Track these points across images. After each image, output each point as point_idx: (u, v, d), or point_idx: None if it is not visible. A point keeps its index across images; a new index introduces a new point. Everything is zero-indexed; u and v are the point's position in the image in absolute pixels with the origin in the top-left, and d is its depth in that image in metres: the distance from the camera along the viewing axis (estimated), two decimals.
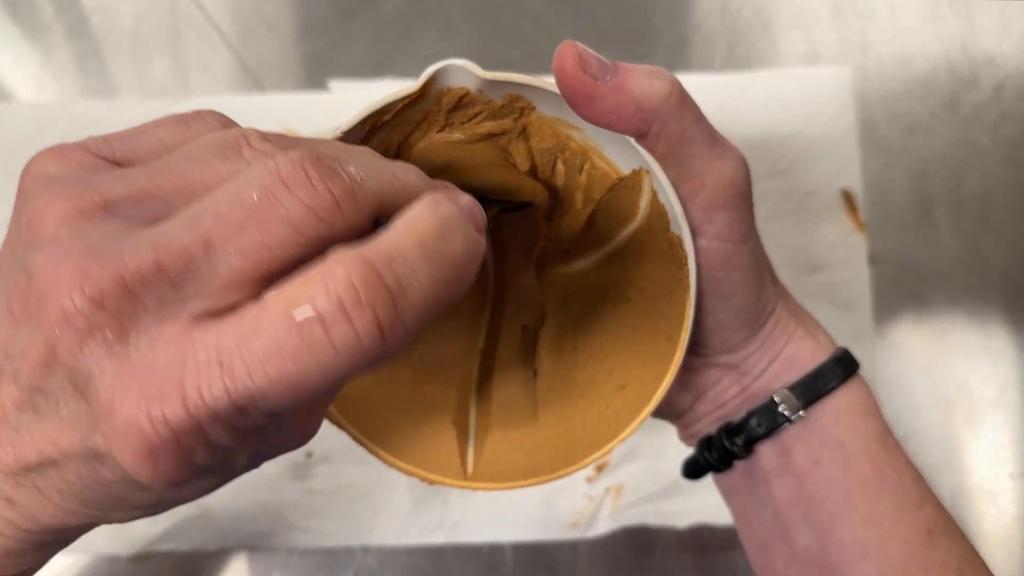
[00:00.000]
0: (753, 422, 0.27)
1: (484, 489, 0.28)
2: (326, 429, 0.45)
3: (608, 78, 0.23)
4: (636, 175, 0.26)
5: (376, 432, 0.28)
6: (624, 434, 0.27)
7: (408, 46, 0.50)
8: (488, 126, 0.28)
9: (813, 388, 0.27)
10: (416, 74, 0.52)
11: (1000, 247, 0.49)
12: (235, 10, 0.50)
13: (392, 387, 0.30)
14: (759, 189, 0.47)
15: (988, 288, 0.49)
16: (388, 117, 0.26)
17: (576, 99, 0.24)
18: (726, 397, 0.29)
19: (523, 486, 0.28)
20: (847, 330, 0.47)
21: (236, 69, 0.50)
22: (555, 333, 0.31)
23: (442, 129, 0.28)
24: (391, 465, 0.28)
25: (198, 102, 0.48)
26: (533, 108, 0.27)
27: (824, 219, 0.47)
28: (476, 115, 0.27)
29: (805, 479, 0.27)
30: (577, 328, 0.31)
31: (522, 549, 0.46)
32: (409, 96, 0.25)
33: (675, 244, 0.26)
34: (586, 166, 0.28)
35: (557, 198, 0.29)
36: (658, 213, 0.26)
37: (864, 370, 0.46)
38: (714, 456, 0.28)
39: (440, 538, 0.45)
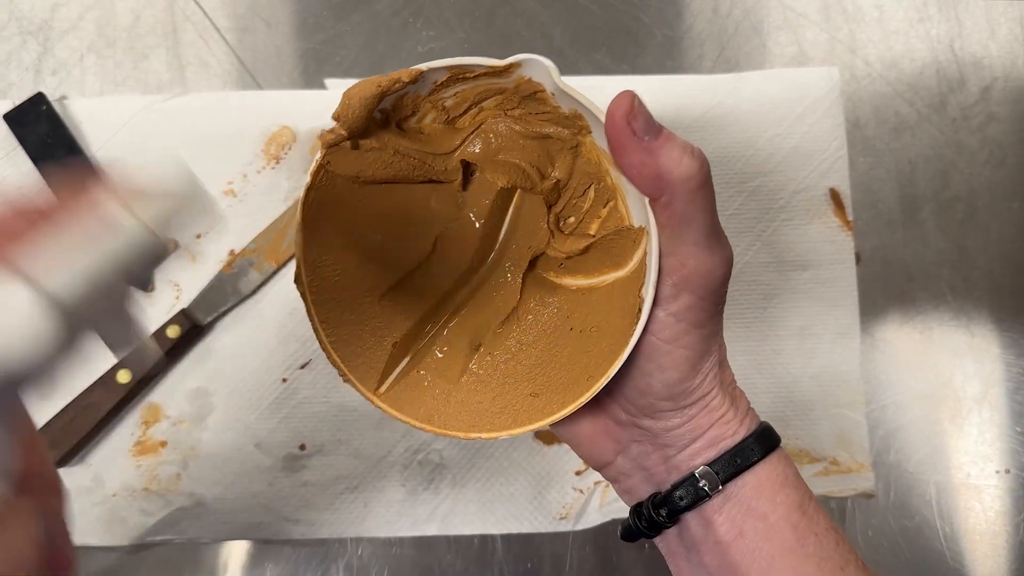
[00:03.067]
0: (677, 495, 0.29)
1: (381, 409, 0.31)
2: (320, 425, 0.46)
3: (646, 138, 0.25)
4: (640, 231, 0.29)
5: (328, 318, 0.30)
6: (515, 431, 0.30)
7: (403, 44, 0.51)
8: (550, 129, 0.31)
9: (733, 464, 0.28)
10: None
11: (985, 247, 0.50)
12: (232, 7, 0.51)
13: (363, 292, 0.32)
14: (748, 187, 0.48)
15: (973, 287, 0.49)
16: (470, 75, 0.28)
17: (612, 142, 0.26)
18: (650, 463, 0.30)
19: (413, 424, 0.31)
20: (833, 327, 0.47)
21: (233, 66, 0.50)
22: (511, 323, 0.34)
23: (513, 110, 0.30)
24: (324, 349, 0.30)
25: (195, 98, 0.48)
26: (589, 132, 0.29)
27: (812, 217, 0.48)
28: (544, 113, 0.30)
29: (730, 548, 0.28)
30: (529, 330, 0.33)
31: (512, 541, 0.46)
32: (494, 67, 0.27)
33: (639, 304, 0.28)
34: (611, 203, 0.31)
35: (578, 217, 0.33)
36: (641, 271, 0.28)
37: (850, 368, 0.47)
38: (643, 524, 0.30)
39: (431, 530, 0.46)
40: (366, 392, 0.31)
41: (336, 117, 0.28)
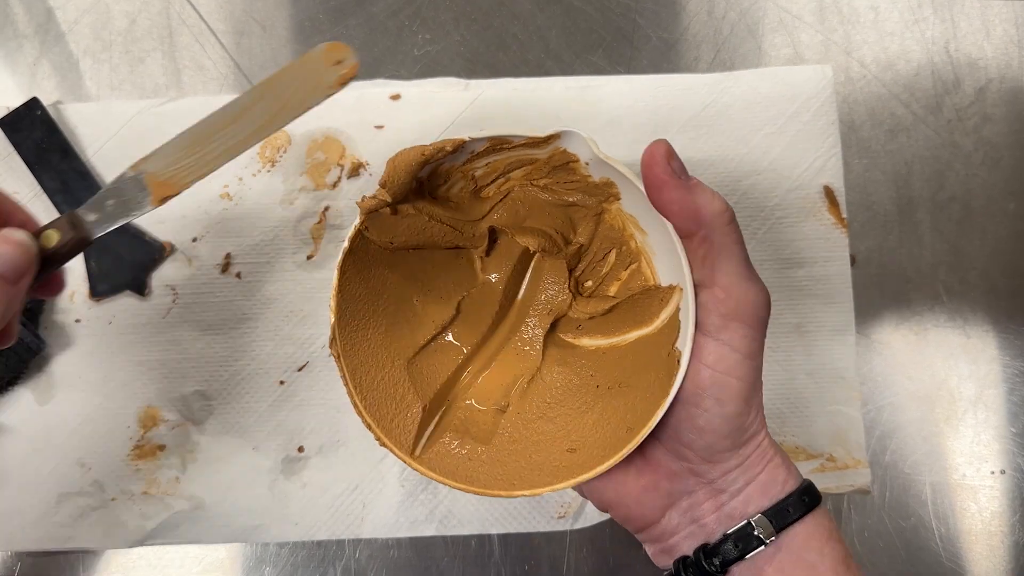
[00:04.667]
0: (728, 544, 0.29)
1: (420, 471, 0.31)
2: (318, 427, 0.46)
3: (683, 178, 0.28)
4: (670, 289, 0.30)
5: (361, 382, 0.31)
6: (557, 486, 0.30)
7: (399, 47, 0.51)
8: (575, 197, 0.32)
9: (784, 515, 0.29)
10: (407, 75, 0.53)
11: (981, 248, 0.50)
12: (228, 11, 0.51)
13: (392, 356, 0.33)
14: (743, 185, 0.48)
15: (969, 288, 0.49)
16: (508, 146, 0.30)
17: (652, 182, 0.28)
18: (701, 512, 0.31)
19: (456, 487, 0.31)
20: (828, 324, 0.48)
21: (229, 69, 0.50)
22: (536, 383, 0.34)
23: (539, 179, 0.32)
24: (359, 414, 0.31)
25: (191, 102, 0.48)
26: (618, 198, 0.31)
27: (806, 215, 0.48)
28: (572, 182, 0.31)
29: None
30: (556, 390, 0.34)
31: (510, 542, 0.47)
32: (534, 139, 0.29)
33: (675, 356, 0.29)
34: (633, 266, 0.33)
35: (597, 280, 0.34)
36: (672, 326, 0.30)
37: (846, 365, 0.47)
38: (691, 574, 0.30)
39: (429, 531, 0.46)
40: (404, 456, 0.31)
41: (382, 184, 0.29)
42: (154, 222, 0.47)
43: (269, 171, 0.48)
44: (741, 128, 0.48)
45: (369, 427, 0.31)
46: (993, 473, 0.48)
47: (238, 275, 0.47)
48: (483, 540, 0.47)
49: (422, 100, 0.48)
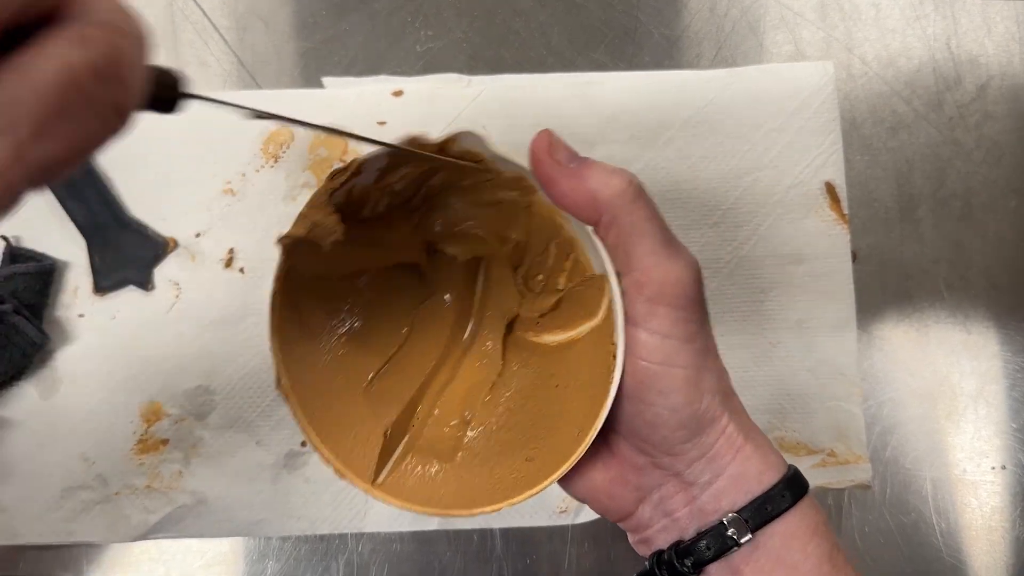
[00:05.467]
0: (702, 544, 0.27)
1: (382, 500, 0.30)
2: None
3: (572, 165, 0.26)
4: (602, 278, 0.28)
5: (315, 416, 0.30)
6: (515, 500, 0.29)
7: (401, 44, 0.51)
8: (499, 194, 0.31)
9: (762, 512, 0.27)
10: (409, 71, 0.53)
11: (982, 245, 0.50)
12: (231, 7, 0.51)
13: (347, 384, 0.32)
14: (744, 181, 0.48)
15: (970, 285, 0.50)
16: (414, 155, 0.29)
17: (542, 178, 0.27)
18: (673, 506, 0.29)
19: (416, 510, 0.30)
20: (830, 320, 0.48)
21: (232, 65, 0.50)
22: (497, 389, 0.34)
23: (461, 181, 0.31)
24: (315, 449, 0.30)
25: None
26: (535, 191, 0.30)
27: (807, 211, 0.48)
28: (489, 180, 0.30)
29: None
30: (516, 395, 0.33)
31: (511, 537, 0.47)
32: (430, 145, 0.28)
33: (611, 351, 0.27)
34: (571, 255, 0.31)
35: (547, 273, 0.33)
36: (610, 319, 0.28)
37: (847, 361, 0.47)
38: (664, 573, 0.29)
39: (431, 525, 0.46)
40: (363, 485, 0.30)
41: (288, 232, 0.28)
42: (157, 218, 0.47)
43: (272, 167, 0.48)
44: (742, 125, 0.48)
45: (328, 461, 0.30)
46: (994, 469, 0.48)
47: (241, 270, 0.47)
48: (485, 535, 0.47)
49: (424, 96, 0.48)
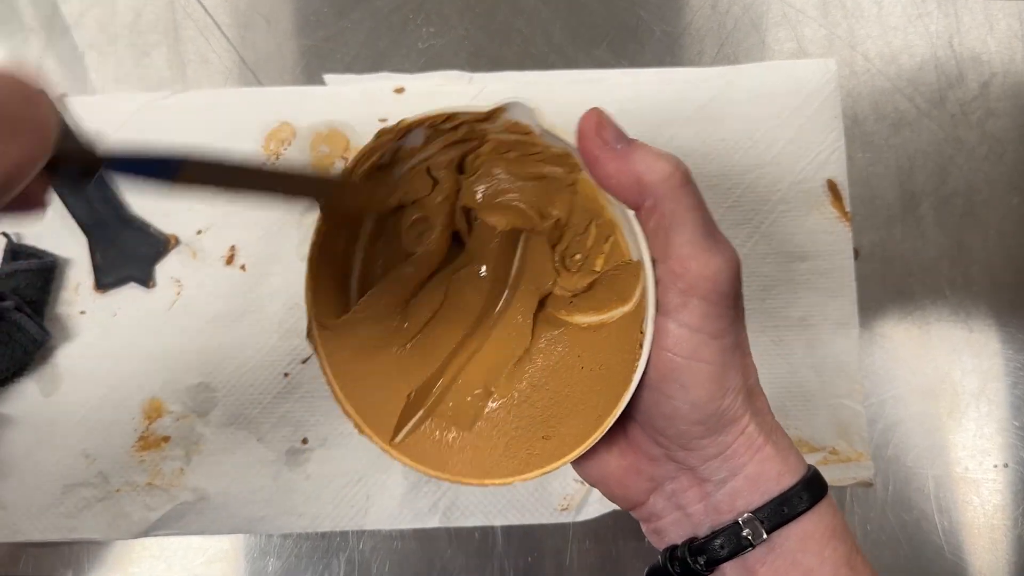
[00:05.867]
0: (717, 543, 0.27)
1: (396, 458, 0.31)
2: (322, 419, 0.46)
3: (619, 146, 0.26)
4: (639, 264, 0.28)
5: (341, 371, 0.31)
6: (526, 476, 0.29)
7: (403, 41, 0.51)
8: (546, 169, 0.31)
9: (779, 514, 0.26)
10: (411, 68, 0.53)
11: (984, 242, 0.50)
12: (233, 4, 0.51)
13: (377, 345, 0.33)
14: (747, 178, 0.48)
15: (972, 282, 0.49)
16: (455, 123, 0.29)
17: (587, 157, 0.26)
18: (686, 500, 0.29)
19: (428, 473, 0.30)
20: (832, 317, 0.48)
21: (234, 63, 0.50)
22: (523, 364, 0.34)
23: (507, 153, 0.31)
24: (338, 402, 0.31)
25: (195, 95, 0.48)
26: (581, 169, 0.29)
27: (810, 208, 0.48)
28: (537, 154, 0.30)
29: None
30: (541, 372, 0.34)
31: (513, 535, 0.47)
32: (478, 113, 0.28)
33: (639, 340, 0.27)
34: (611, 238, 0.31)
35: (584, 254, 0.33)
36: (642, 306, 0.28)
37: (849, 358, 0.47)
38: (677, 569, 0.28)
39: (433, 522, 0.46)
40: (381, 443, 0.31)
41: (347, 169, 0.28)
42: (159, 215, 0.47)
43: (274, 164, 0.48)
44: (745, 122, 0.48)
45: (348, 414, 0.31)
46: (996, 467, 0.48)
47: (243, 267, 0.47)
48: (486, 532, 0.47)
49: (426, 94, 0.48)
